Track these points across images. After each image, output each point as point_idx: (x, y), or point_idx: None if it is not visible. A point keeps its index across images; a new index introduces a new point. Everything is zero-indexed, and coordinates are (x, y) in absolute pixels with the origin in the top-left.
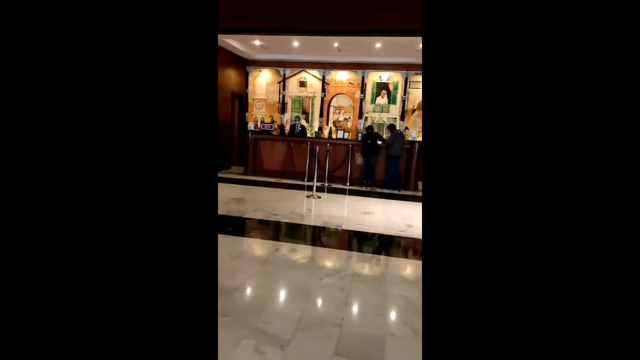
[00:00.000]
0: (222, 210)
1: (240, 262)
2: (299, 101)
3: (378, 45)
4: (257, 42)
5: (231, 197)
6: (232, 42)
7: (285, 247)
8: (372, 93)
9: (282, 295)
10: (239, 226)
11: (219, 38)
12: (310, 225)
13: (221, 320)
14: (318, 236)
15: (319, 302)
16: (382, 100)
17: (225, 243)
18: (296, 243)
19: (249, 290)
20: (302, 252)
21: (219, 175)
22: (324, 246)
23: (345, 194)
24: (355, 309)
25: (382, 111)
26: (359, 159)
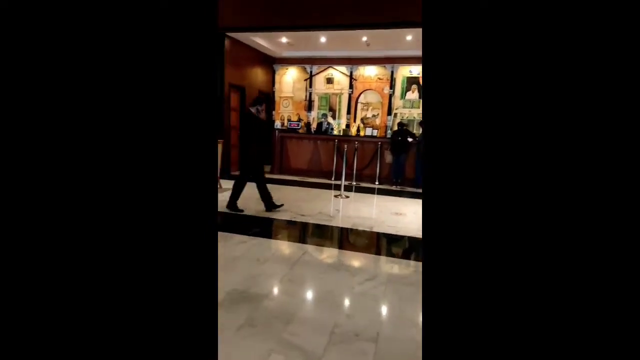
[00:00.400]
0: (249, 210)
1: (268, 267)
2: (326, 98)
3: (409, 37)
4: (284, 40)
5: (258, 197)
6: (259, 40)
7: (314, 251)
8: (402, 88)
9: (312, 304)
10: (266, 227)
11: (246, 36)
12: (339, 227)
13: (249, 330)
14: (348, 239)
15: (352, 313)
16: (413, 95)
17: (253, 245)
18: (325, 246)
19: (277, 298)
20: (331, 256)
21: None
22: (355, 250)
23: (374, 193)
24: (391, 321)
25: (412, 107)
26: (389, 157)
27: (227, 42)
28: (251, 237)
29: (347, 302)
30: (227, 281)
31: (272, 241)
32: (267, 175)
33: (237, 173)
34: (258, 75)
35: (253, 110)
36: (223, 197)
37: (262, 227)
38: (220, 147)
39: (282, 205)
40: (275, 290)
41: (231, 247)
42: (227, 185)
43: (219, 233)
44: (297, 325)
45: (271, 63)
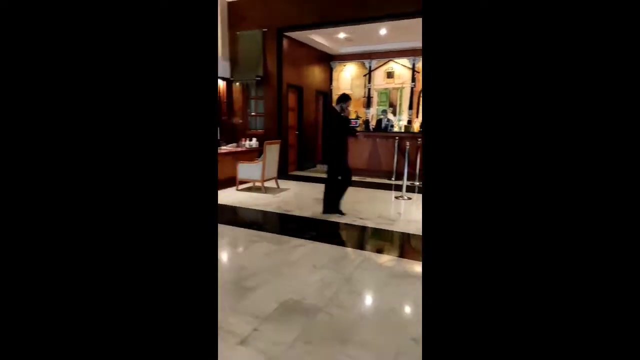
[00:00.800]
0: (306, 212)
1: (325, 275)
2: (386, 94)
3: None
4: (341, 35)
5: (315, 197)
6: (316, 38)
7: (374, 258)
8: None
9: (373, 322)
10: (322, 231)
11: (303, 35)
12: (401, 232)
13: (302, 348)
14: (412, 246)
15: (419, 336)
16: None
17: (309, 249)
18: (387, 254)
19: (333, 311)
20: (393, 265)
21: (303, 174)
22: (419, 258)
23: None
24: None
25: None
26: None
27: (284, 42)
28: (308, 240)
29: (412, 321)
30: (282, 289)
31: (330, 246)
32: (325, 176)
33: (295, 173)
34: (315, 73)
35: (337, 108)
36: (280, 198)
37: (318, 230)
38: (277, 147)
39: (340, 211)
40: (332, 302)
41: (287, 251)
42: (284, 185)
43: (275, 235)
44: (355, 347)
45: (328, 60)
